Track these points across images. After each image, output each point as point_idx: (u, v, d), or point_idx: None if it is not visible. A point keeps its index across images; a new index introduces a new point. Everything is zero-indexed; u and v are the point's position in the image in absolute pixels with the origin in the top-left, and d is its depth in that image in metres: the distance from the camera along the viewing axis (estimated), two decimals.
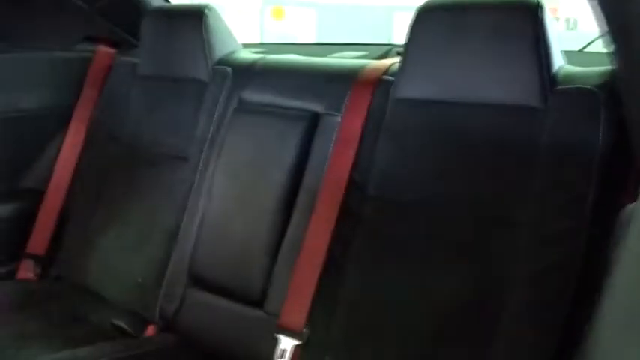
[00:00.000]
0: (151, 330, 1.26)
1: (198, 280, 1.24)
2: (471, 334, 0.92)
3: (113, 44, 1.62)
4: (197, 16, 1.38)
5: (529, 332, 0.87)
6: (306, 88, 1.23)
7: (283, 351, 1.07)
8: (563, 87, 0.94)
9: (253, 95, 1.30)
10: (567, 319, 0.85)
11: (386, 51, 1.43)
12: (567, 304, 0.86)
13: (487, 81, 1.00)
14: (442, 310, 0.95)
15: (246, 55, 1.41)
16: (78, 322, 1.32)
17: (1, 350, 1.15)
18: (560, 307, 0.86)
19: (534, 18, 0.95)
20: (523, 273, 0.89)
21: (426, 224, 1.01)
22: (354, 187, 1.09)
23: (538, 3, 0.96)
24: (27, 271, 1.48)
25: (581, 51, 1.57)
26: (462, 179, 0.99)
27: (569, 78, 0.96)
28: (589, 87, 0.92)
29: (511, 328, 0.88)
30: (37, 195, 1.54)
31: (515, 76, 0.97)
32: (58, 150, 1.56)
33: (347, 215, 1.09)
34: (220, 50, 1.40)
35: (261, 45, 1.77)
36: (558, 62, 1.00)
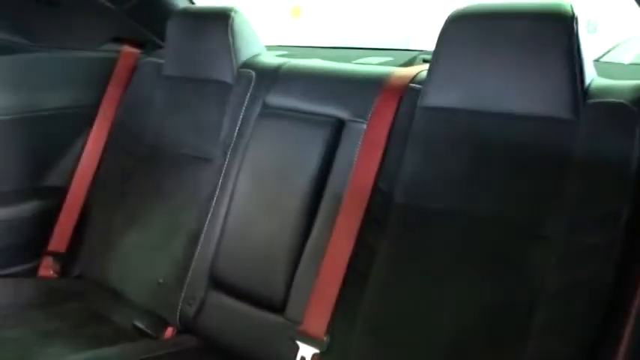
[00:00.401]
0: (170, 332, 1.27)
1: (219, 284, 1.24)
2: (498, 349, 0.91)
3: (138, 44, 1.63)
4: (223, 18, 1.38)
5: (559, 346, 0.86)
6: (331, 94, 1.22)
7: (303, 358, 1.07)
8: (596, 100, 0.93)
9: (277, 100, 1.29)
10: (599, 333, 0.84)
11: (412, 57, 1.42)
12: (598, 318, 0.85)
13: (518, 91, 0.98)
14: (467, 324, 0.94)
15: (271, 59, 1.40)
16: (100, 322, 1.33)
17: (26, 348, 1.16)
18: (591, 320, 0.85)
19: (569, 29, 0.93)
20: (553, 287, 0.88)
21: (452, 234, 1.00)
22: (379, 194, 1.09)
23: (573, 13, 0.94)
24: (47, 268, 1.49)
25: (597, 60, 1.55)
26: (490, 190, 0.98)
27: (602, 91, 0.94)
28: (623, 101, 0.90)
29: (540, 342, 0.87)
30: (61, 193, 1.55)
31: (547, 87, 0.96)
32: (82, 148, 1.57)
33: (371, 223, 1.08)
34: (245, 53, 1.41)
35: (285, 47, 1.76)
36: (591, 74, 0.98)
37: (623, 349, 0.80)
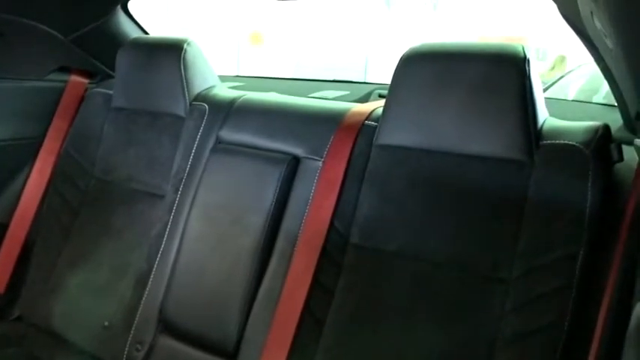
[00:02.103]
0: None
1: (168, 327, 1.18)
2: None
3: (86, 74, 1.57)
4: (176, 49, 1.35)
5: None
6: (286, 130, 1.20)
7: None
8: (549, 142, 0.93)
9: (231, 134, 1.26)
10: None
11: (368, 92, 1.42)
12: None
13: (471, 132, 0.98)
14: None
15: (225, 93, 1.37)
16: None
17: None
18: None
19: (521, 71, 0.94)
20: (510, 332, 0.87)
21: (407, 278, 0.97)
22: (335, 234, 1.06)
23: (524, 55, 0.95)
24: None
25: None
26: (446, 232, 0.97)
27: (555, 132, 0.95)
28: (575, 144, 0.91)
29: None
30: (2, 229, 1.46)
31: (501, 128, 0.95)
32: (24, 183, 1.49)
33: (327, 264, 1.05)
34: (199, 86, 1.37)
35: (240, 78, 1.74)
36: (543, 115, 0.99)
37: None
